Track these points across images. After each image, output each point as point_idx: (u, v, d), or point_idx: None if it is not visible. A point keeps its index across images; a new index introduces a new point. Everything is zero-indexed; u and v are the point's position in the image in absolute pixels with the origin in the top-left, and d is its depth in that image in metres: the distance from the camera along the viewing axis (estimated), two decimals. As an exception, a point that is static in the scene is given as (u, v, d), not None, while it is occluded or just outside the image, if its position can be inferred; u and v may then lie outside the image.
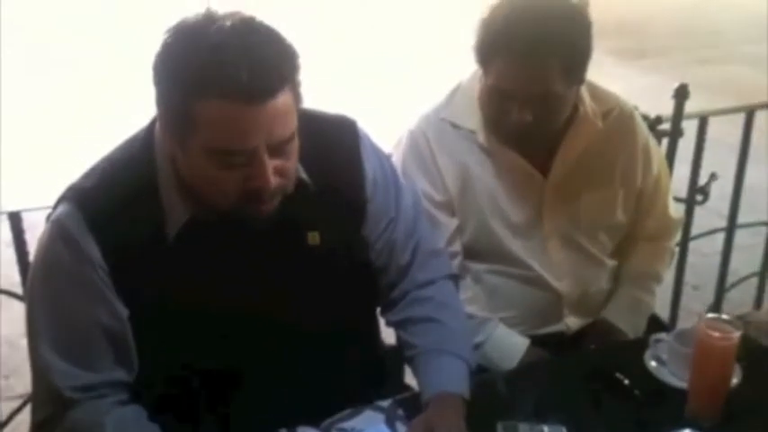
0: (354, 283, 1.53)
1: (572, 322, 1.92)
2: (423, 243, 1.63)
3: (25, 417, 1.73)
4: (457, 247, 1.85)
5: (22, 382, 2.67)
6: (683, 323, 2.47)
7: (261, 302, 1.43)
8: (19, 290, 1.98)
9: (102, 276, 1.35)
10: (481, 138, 1.81)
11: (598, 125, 1.83)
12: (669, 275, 2.35)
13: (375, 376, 1.64)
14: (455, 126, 1.83)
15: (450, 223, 1.84)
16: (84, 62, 7.26)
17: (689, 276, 2.93)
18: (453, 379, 1.49)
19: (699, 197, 2.69)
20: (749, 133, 2.77)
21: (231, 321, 1.42)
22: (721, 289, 3.04)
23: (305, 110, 1.36)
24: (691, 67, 6.93)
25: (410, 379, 1.67)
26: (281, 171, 1.32)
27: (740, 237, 2.99)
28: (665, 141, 2.49)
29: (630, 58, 7.37)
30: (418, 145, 1.83)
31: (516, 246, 1.85)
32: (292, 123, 1.30)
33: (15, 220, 2.02)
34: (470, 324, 1.74)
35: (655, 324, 2.01)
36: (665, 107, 2.47)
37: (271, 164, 1.28)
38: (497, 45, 1.64)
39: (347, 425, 1.48)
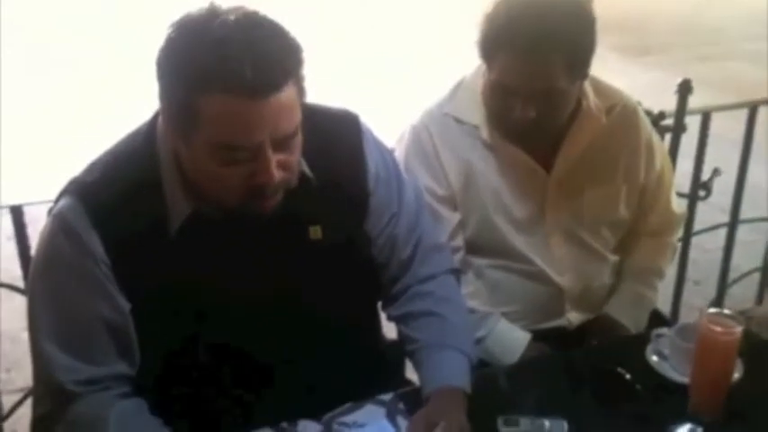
0: (356, 277, 1.53)
1: (574, 317, 1.92)
2: (424, 238, 1.63)
3: (26, 410, 1.73)
4: (459, 241, 1.85)
5: (23, 376, 2.67)
6: (685, 318, 2.47)
7: (262, 297, 1.43)
8: (21, 284, 1.98)
9: (104, 270, 1.35)
10: (484, 133, 1.81)
11: (601, 121, 1.82)
12: (671, 271, 2.35)
13: (376, 370, 1.63)
14: (458, 121, 1.83)
15: (453, 218, 1.83)
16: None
17: (691, 272, 2.94)
18: (455, 373, 1.49)
19: (701, 193, 2.69)
20: (752, 129, 2.77)
21: (232, 316, 1.42)
22: (723, 284, 3.03)
23: (307, 104, 1.36)
24: (692, 63, 6.92)
25: (411, 373, 1.67)
26: (285, 165, 1.31)
27: (742, 232, 3.00)
28: (668, 137, 2.49)
29: (633, 55, 7.36)
30: (421, 140, 1.83)
31: (519, 241, 1.85)
32: (296, 118, 1.30)
33: (17, 213, 2.02)
34: (472, 319, 1.74)
35: (656, 319, 2.02)
36: (668, 103, 2.47)
37: (274, 158, 1.28)
38: (500, 40, 1.64)
39: (348, 419, 1.48)
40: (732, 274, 3.05)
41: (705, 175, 2.68)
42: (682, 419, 1.44)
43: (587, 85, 1.80)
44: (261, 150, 1.27)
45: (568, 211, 1.86)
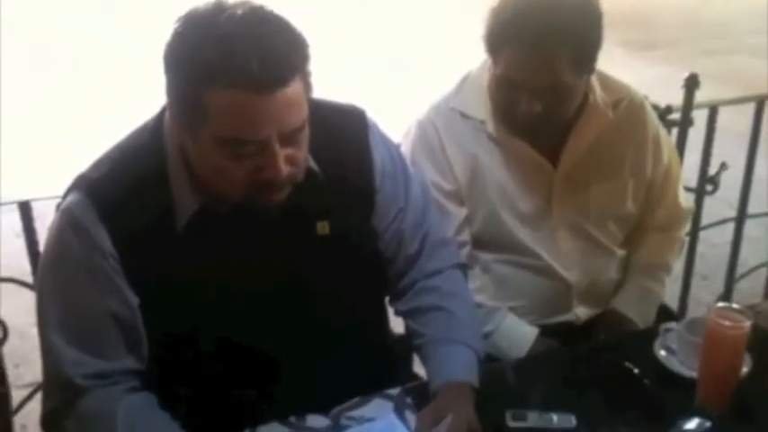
0: (363, 272, 1.53)
1: (581, 312, 1.91)
2: (431, 233, 1.63)
3: (36, 405, 1.74)
4: (465, 236, 1.85)
5: (32, 371, 2.67)
6: (693, 313, 2.45)
7: (270, 292, 1.43)
8: (29, 279, 1.99)
9: (113, 264, 1.35)
10: (490, 127, 1.80)
11: (608, 115, 1.82)
12: (679, 265, 2.35)
13: (384, 365, 1.64)
14: (464, 116, 1.83)
15: (459, 213, 1.83)
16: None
17: (698, 266, 2.93)
18: (462, 368, 1.49)
19: (709, 187, 2.68)
20: (759, 123, 2.76)
21: (240, 310, 1.42)
22: (731, 279, 3.03)
23: (314, 99, 1.35)
24: (698, 58, 6.90)
25: (419, 368, 1.67)
26: (292, 160, 1.32)
27: (750, 227, 2.99)
28: (675, 131, 2.48)
29: (640, 50, 7.35)
30: (427, 135, 1.83)
31: (525, 235, 1.85)
32: (303, 112, 1.30)
33: (25, 209, 2.03)
34: (479, 313, 1.74)
35: (664, 314, 2.01)
36: (675, 98, 2.46)
37: (282, 153, 1.28)
38: (507, 35, 1.64)
39: (356, 413, 1.48)
40: (740, 269, 3.04)
41: (712, 170, 2.67)
42: (690, 414, 1.43)
43: (594, 80, 1.80)
44: (268, 145, 1.27)
45: (575, 205, 1.86)
